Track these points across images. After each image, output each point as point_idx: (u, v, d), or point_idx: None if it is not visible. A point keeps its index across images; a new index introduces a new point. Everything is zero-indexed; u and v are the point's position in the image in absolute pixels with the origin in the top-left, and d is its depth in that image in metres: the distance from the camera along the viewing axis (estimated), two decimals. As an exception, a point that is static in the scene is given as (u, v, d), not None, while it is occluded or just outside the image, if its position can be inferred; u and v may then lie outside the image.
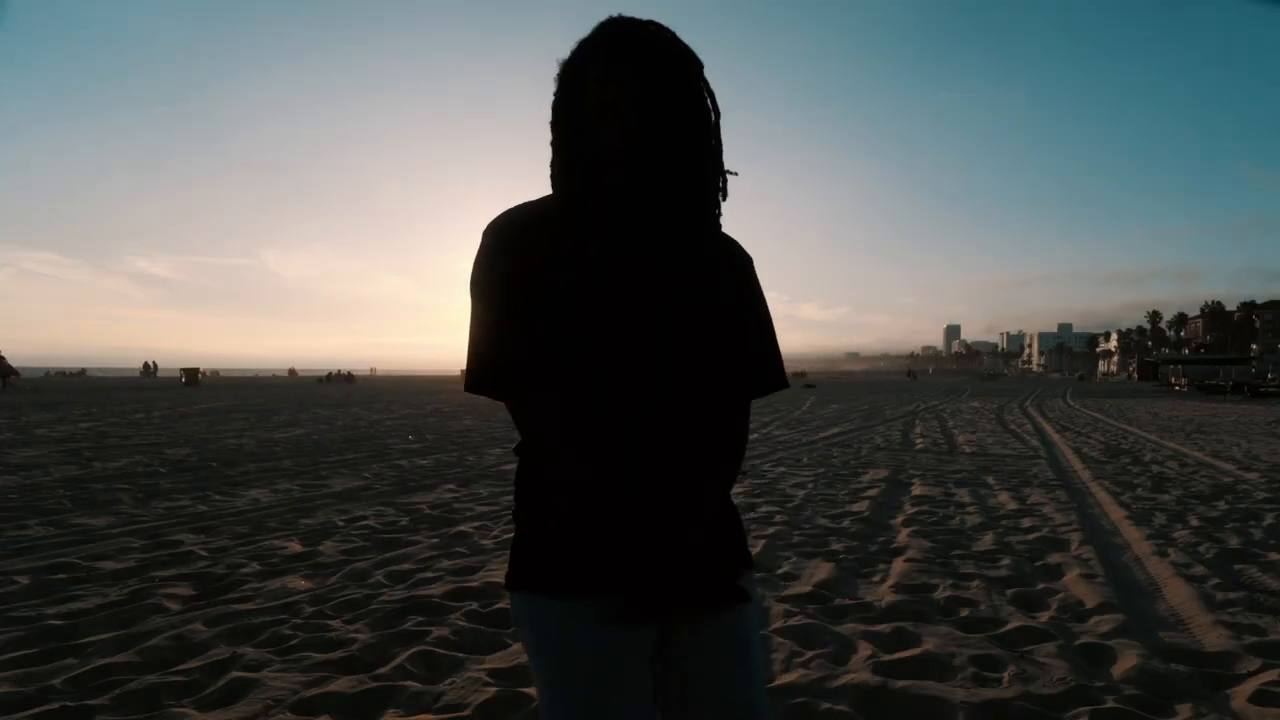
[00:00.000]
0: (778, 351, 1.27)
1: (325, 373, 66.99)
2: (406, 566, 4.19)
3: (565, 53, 1.13)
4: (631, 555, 1.09)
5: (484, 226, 1.16)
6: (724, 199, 1.20)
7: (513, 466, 5.87)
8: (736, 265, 1.24)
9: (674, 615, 1.10)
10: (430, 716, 2.44)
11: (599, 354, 1.11)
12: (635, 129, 1.07)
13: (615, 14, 1.10)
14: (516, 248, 1.12)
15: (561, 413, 1.11)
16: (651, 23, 1.11)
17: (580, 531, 1.11)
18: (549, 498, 1.14)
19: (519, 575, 1.16)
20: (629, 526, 1.09)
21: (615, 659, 1.11)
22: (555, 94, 1.13)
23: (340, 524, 5.34)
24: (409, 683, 2.66)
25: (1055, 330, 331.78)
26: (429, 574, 4.03)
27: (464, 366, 1.17)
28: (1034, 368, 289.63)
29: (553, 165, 1.16)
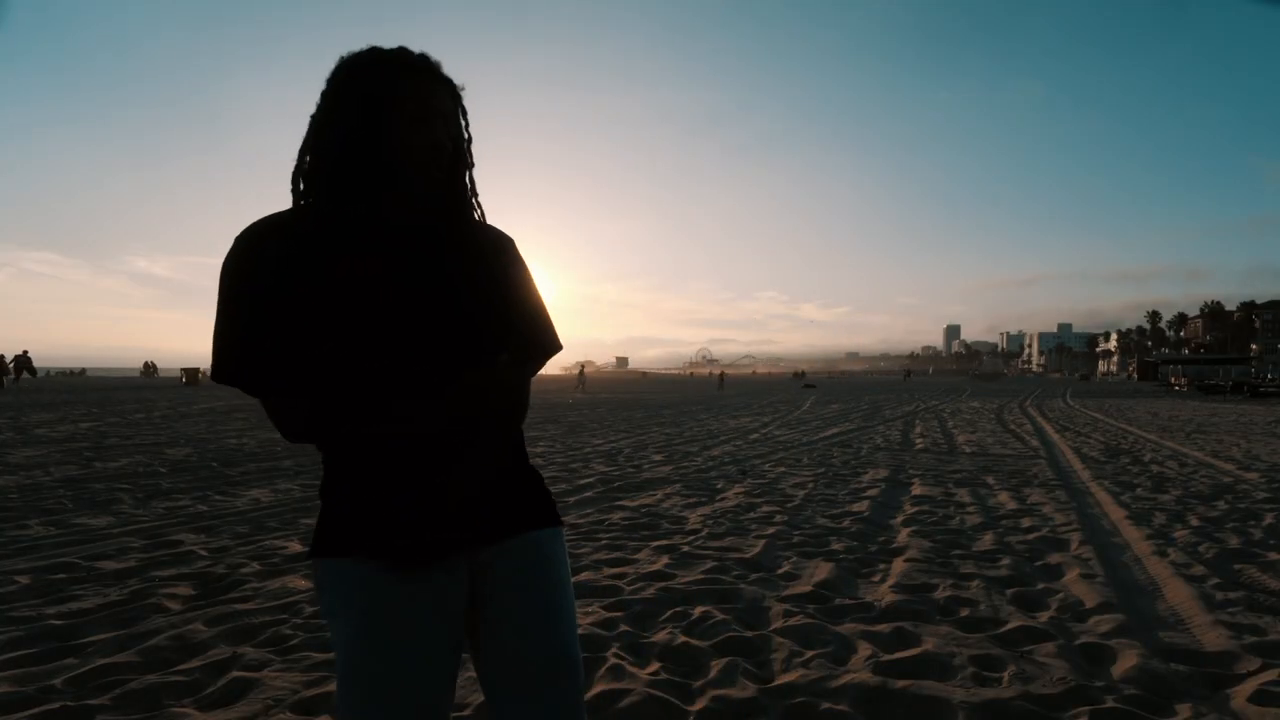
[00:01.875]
0: (546, 320, 1.39)
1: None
2: (406, 566, 4.18)
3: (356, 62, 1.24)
4: (398, 513, 1.23)
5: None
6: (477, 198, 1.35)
7: (513, 466, 5.73)
8: (500, 248, 1.36)
9: (473, 551, 1.28)
10: (430, 716, 2.44)
11: (355, 338, 1.21)
12: (442, 135, 1.23)
13: (399, 46, 1.24)
14: (267, 252, 1.22)
15: (304, 400, 1.22)
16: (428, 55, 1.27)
17: (355, 499, 1.25)
18: (331, 473, 1.27)
19: (316, 543, 1.27)
20: (394, 488, 1.22)
21: (402, 609, 1.22)
22: (340, 101, 1.22)
23: (340, 524, 5.33)
24: (409, 682, 2.66)
25: (1055, 330, 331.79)
26: (429, 574, 4.03)
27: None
28: (1034, 368, 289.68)
29: (320, 167, 1.24)
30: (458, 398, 1.25)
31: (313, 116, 1.25)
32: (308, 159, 1.25)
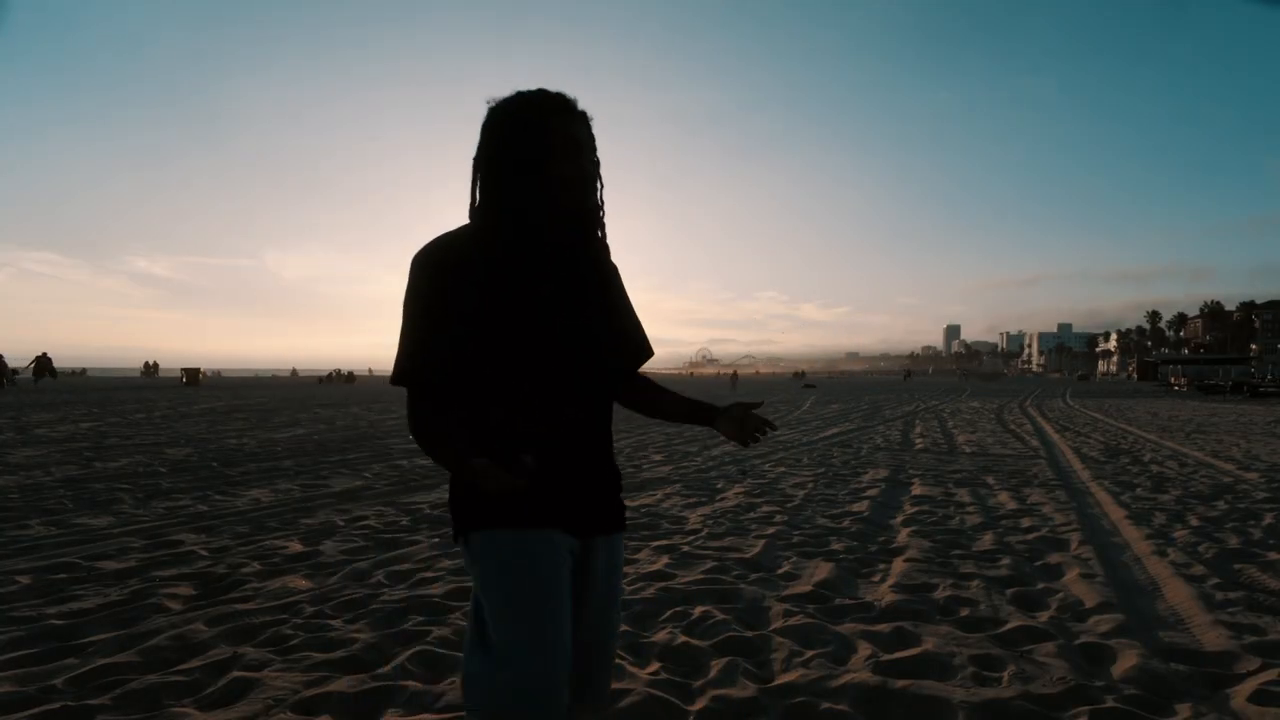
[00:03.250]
0: (644, 332, 1.67)
1: (326, 373, 67.02)
2: (407, 566, 4.19)
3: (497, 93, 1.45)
4: (570, 497, 1.47)
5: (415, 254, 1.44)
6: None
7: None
8: (615, 268, 1.61)
9: (591, 538, 1.51)
10: (430, 716, 2.44)
11: (541, 342, 1.43)
12: (587, 164, 1.44)
13: (541, 87, 1.44)
14: (448, 266, 1.41)
15: (500, 399, 1.43)
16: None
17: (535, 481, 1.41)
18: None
19: (485, 515, 1.42)
20: (566, 476, 1.45)
21: (558, 571, 1.43)
22: (504, 136, 1.42)
23: (341, 524, 5.34)
24: (409, 683, 2.66)
25: (1055, 330, 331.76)
26: (429, 574, 4.03)
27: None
28: (1033, 368, 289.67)
29: (499, 196, 1.44)
30: (603, 405, 1.54)
31: (480, 153, 1.45)
32: (479, 187, 1.46)
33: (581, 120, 1.44)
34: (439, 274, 1.40)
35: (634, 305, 1.64)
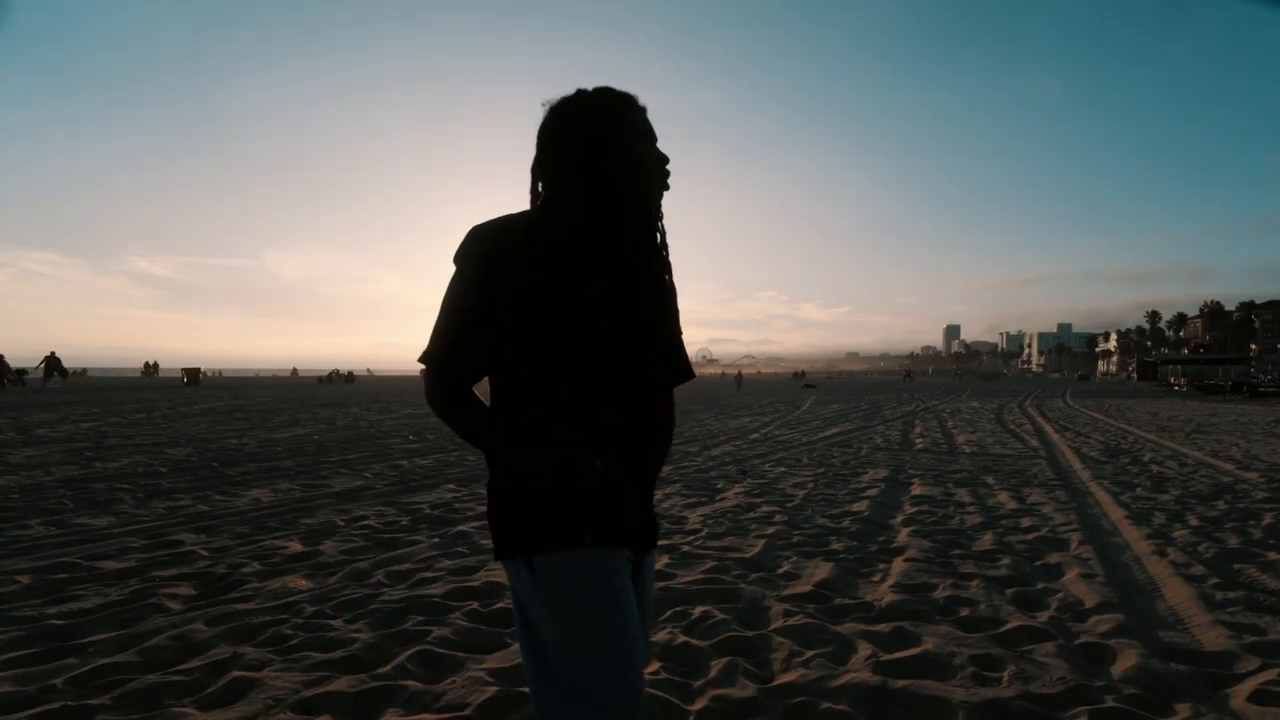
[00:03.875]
0: (684, 350, 1.60)
1: (326, 373, 67.03)
2: (407, 566, 4.19)
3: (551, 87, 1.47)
4: (632, 514, 1.41)
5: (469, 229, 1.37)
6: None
7: (513, 466, 5.70)
8: (673, 291, 1.54)
9: (642, 555, 1.46)
10: (430, 716, 2.44)
11: (585, 343, 1.35)
12: (655, 156, 1.40)
13: (608, 86, 1.41)
14: (499, 253, 1.33)
15: (556, 394, 1.35)
16: None
17: (598, 498, 1.35)
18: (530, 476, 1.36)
19: (552, 536, 1.33)
20: (629, 493, 1.39)
21: (628, 592, 1.36)
22: (573, 127, 1.38)
23: (341, 524, 5.34)
24: (409, 683, 2.66)
25: (1055, 330, 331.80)
26: (429, 574, 4.03)
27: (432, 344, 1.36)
28: (1033, 368, 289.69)
29: (563, 184, 1.38)
30: (659, 418, 1.50)
31: (544, 142, 1.40)
32: (547, 174, 1.40)
33: (645, 114, 1.42)
34: (489, 259, 1.33)
35: (679, 325, 1.58)
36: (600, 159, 1.36)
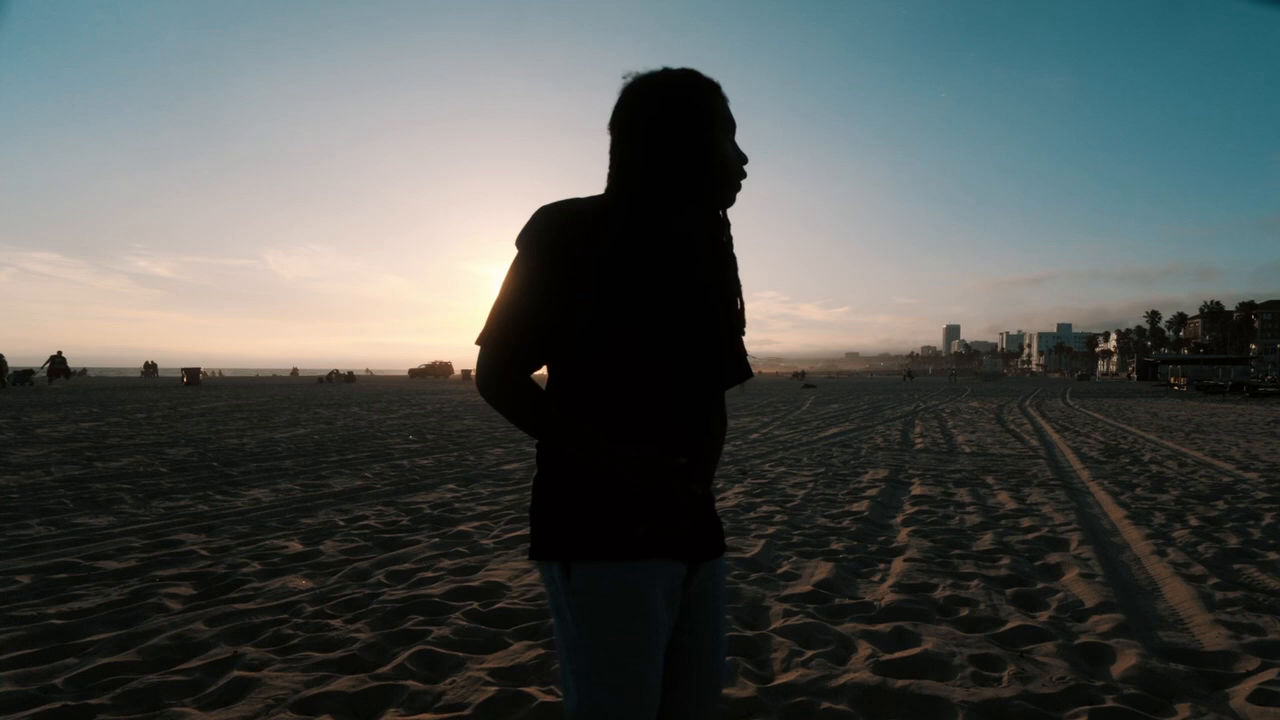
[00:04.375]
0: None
1: (326, 372, 67.02)
2: (407, 566, 4.19)
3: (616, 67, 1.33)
4: (695, 520, 1.31)
5: (539, 209, 1.27)
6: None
7: (514, 466, 5.92)
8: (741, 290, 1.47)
9: (699, 564, 1.35)
10: (430, 716, 2.44)
11: (665, 336, 1.27)
12: (738, 154, 1.35)
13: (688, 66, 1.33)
14: (576, 238, 1.23)
15: (629, 386, 1.26)
16: None
17: (651, 501, 1.25)
18: (594, 477, 1.26)
19: (596, 543, 1.24)
20: (688, 495, 1.27)
21: (663, 609, 1.28)
22: (678, 117, 1.29)
23: (341, 524, 5.34)
24: (409, 682, 2.67)
25: (1054, 330, 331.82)
26: (429, 573, 4.03)
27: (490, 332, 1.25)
28: (1033, 368, 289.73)
29: (649, 173, 1.29)
30: (719, 416, 1.40)
31: (626, 122, 1.30)
32: (629, 160, 1.30)
33: (728, 104, 1.34)
34: (564, 243, 1.22)
35: None
36: (692, 151, 1.29)
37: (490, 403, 1.25)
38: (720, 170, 1.31)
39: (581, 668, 1.25)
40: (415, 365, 77.27)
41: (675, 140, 1.28)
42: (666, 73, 1.31)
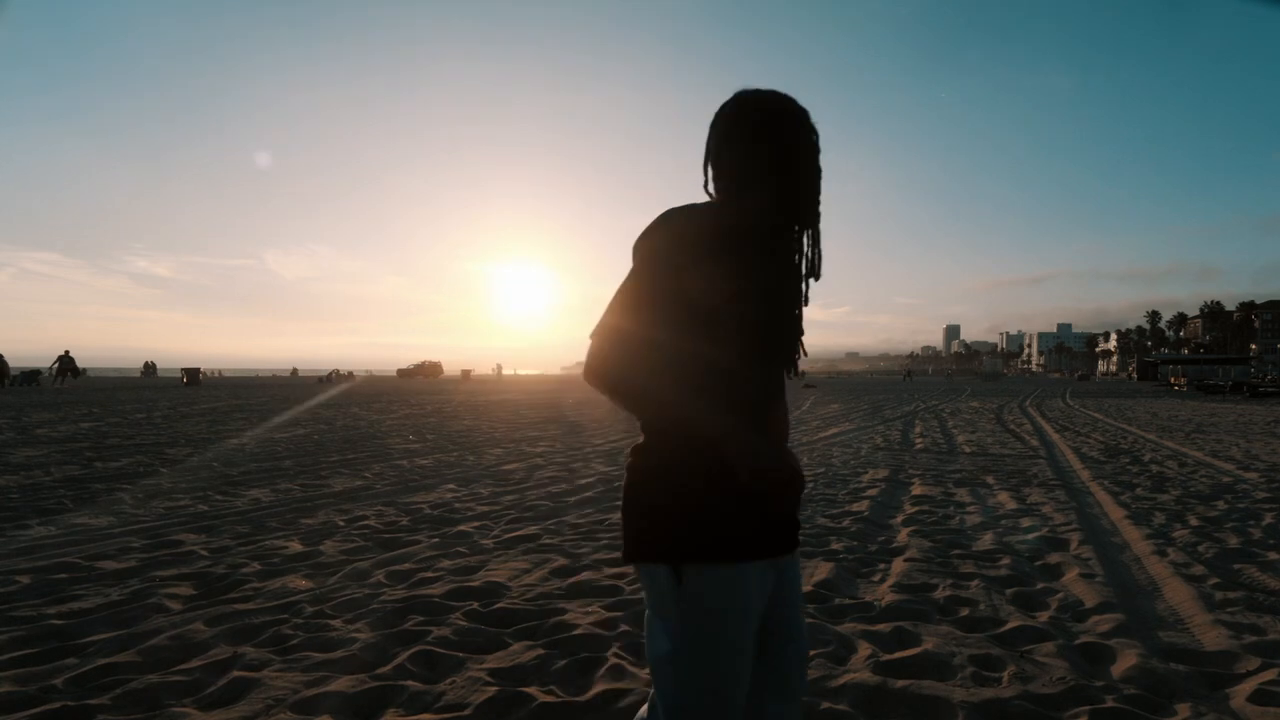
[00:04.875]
0: None
1: (326, 373, 67.07)
2: (407, 566, 4.19)
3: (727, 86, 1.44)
4: (789, 516, 1.39)
5: (664, 213, 1.36)
6: None
7: (514, 467, 5.92)
8: None
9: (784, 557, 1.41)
10: (430, 716, 2.44)
11: (772, 338, 1.41)
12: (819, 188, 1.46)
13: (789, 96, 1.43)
14: (712, 237, 1.34)
15: (748, 386, 1.37)
16: None
17: (763, 500, 1.31)
18: (701, 471, 1.30)
19: (704, 547, 1.28)
20: (798, 476, 1.34)
21: (759, 607, 1.34)
22: (788, 137, 1.40)
23: (341, 524, 5.34)
24: (409, 682, 2.67)
25: (1055, 330, 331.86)
26: (429, 574, 4.03)
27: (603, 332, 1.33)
28: (1033, 368, 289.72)
29: (763, 186, 1.40)
30: (786, 410, 1.52)
31: (750, 143, 1.39)
32: (742, 171, 1.40)
33: None
34: (692, 243, 1.32)
35: None
36: (799, 169, 1.40)
37: (607, 388, 1.32)
38: (816, 196, 1.43)
39: (685, 668, 1.28)
40: (403, 365, 72.51)
41: (784, 162, 1.38)
42: (776, 101, 1.40)
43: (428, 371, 69.87)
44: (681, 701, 1.28)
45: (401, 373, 70.62)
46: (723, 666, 1.27)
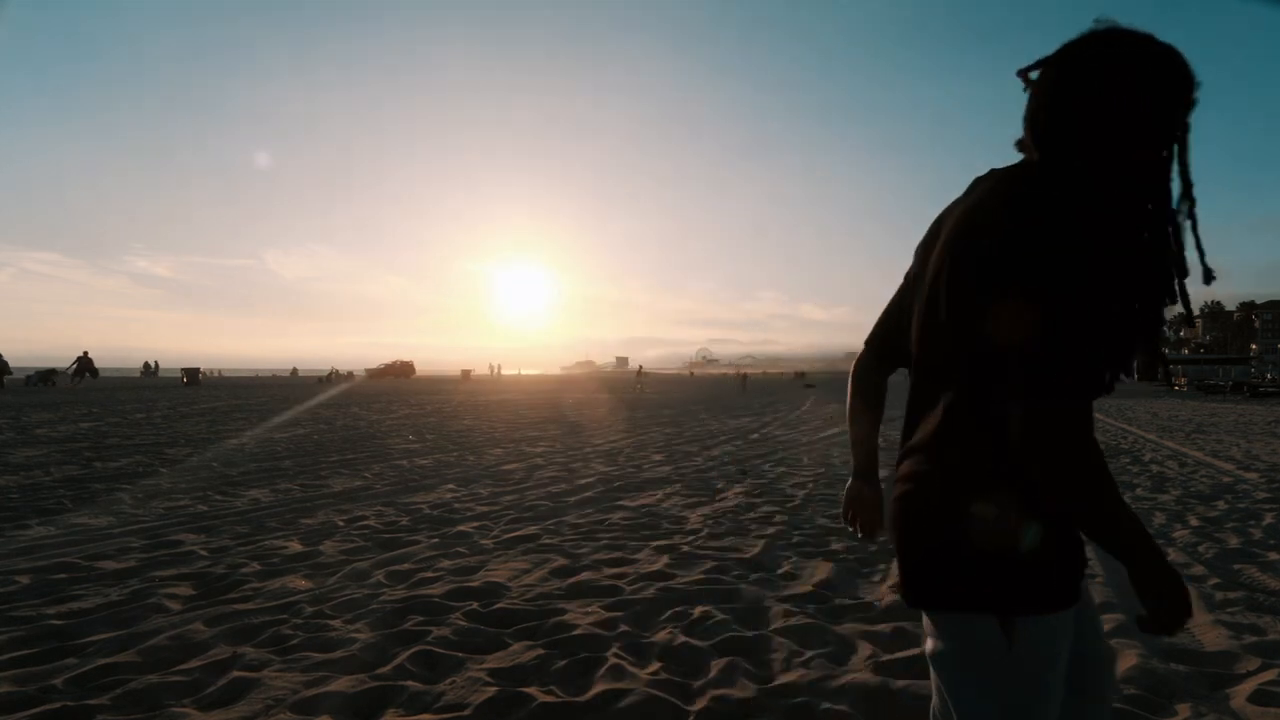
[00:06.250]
0: None
1: (326, 372, 67.07)
2: (407, 566, 4.19)
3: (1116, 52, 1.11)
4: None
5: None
6: None
7: (514, 467, 5.92)
8: None
9: None
10: (430, 716, 2.44)
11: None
12: None
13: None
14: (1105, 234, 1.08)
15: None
16: None
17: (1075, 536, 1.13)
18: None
19: (1037, 596, 1.09)
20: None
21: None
22: (1168, 102, 1.11)
23: (340, 524, 5.34)
24: (409, 683, 2.66)
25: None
26: (429, 574, 4.03)
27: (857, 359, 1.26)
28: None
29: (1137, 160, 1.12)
30: None
31: (1124, 91, 1.09)
32: (1098, 136, 1.11)
33: None
34: (1099, 237, 1.04)
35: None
36: (1185, 146, 1.13)
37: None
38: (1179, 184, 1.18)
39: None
40: (373, 365, 69.51)
41: (1161, 133, 1.12)
42: (1166, 52, 1.09)
43: (398, 371, 68.00)
44: None
45: (371, 373, 67.93)
46: (1051, 716, 1.12)
